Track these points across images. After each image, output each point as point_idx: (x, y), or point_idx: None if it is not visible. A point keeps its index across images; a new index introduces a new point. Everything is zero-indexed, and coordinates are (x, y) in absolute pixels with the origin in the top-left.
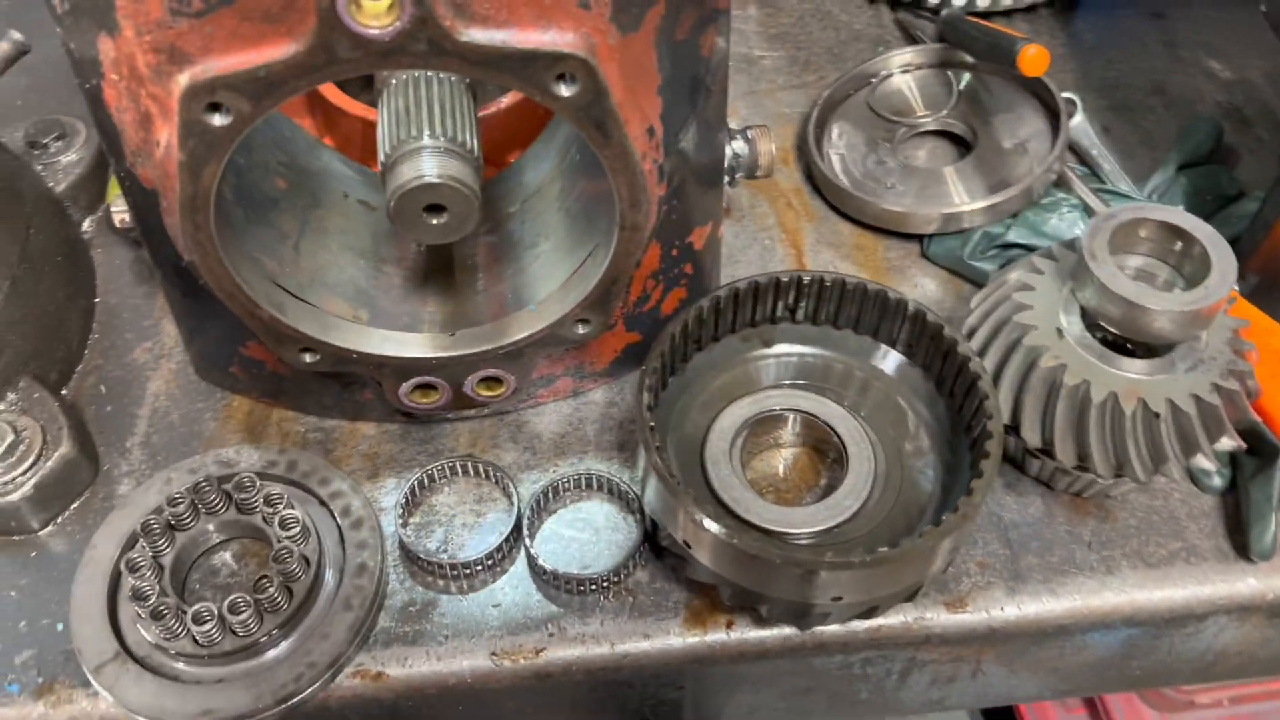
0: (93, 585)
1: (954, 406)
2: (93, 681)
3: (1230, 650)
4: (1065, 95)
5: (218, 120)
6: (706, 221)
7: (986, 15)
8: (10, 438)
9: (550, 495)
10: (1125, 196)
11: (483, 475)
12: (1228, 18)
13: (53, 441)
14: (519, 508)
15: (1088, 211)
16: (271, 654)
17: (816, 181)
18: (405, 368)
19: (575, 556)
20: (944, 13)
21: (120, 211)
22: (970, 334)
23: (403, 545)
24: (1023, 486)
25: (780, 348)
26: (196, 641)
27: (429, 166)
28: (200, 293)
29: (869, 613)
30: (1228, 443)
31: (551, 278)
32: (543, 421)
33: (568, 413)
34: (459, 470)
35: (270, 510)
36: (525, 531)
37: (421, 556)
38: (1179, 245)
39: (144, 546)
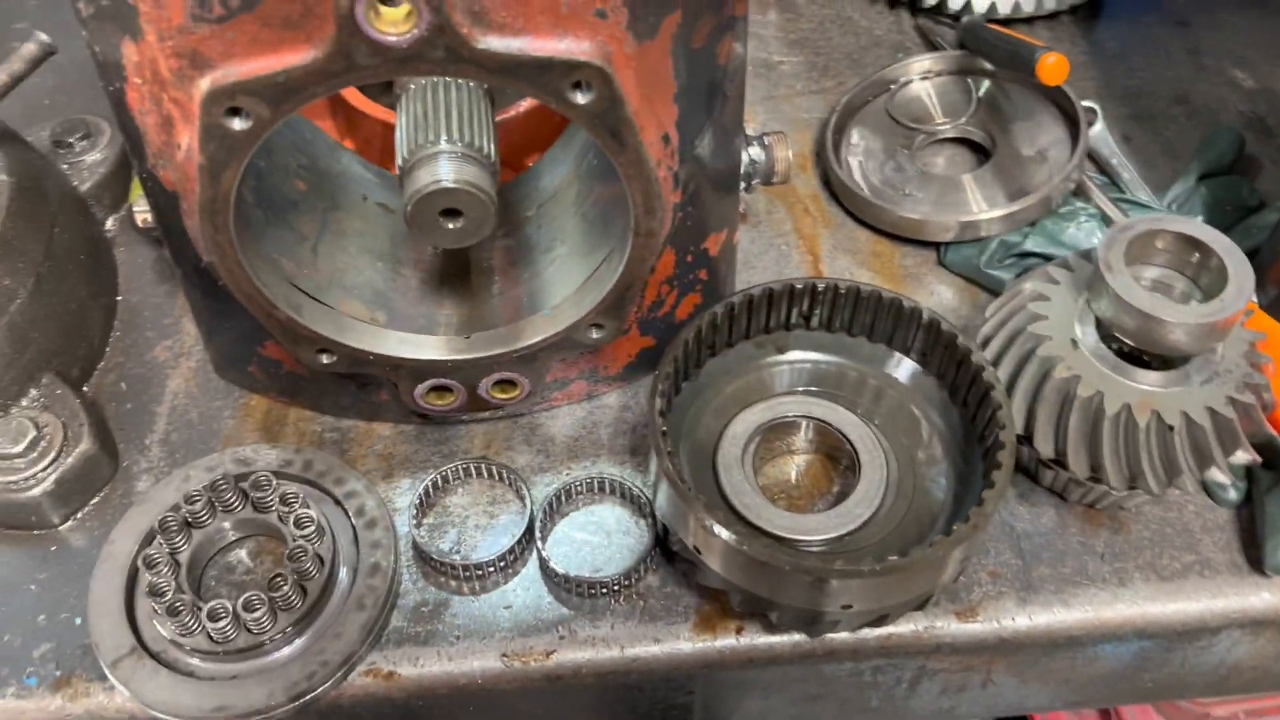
0: (110, 581)
1: (967, 416)
2: (109, 676)
3: (1244, 664)
4: (1085, 104)
5: (238, 124)
6: (722, 228)
7: (1008, 22)
8: (32, 434)
9: (563, 498)
10: (1144, 206)
11: (496, 477)
12: (1253, 26)
13: (74, 438)
14: (531, 510)
15: (1106, 221)
16: (285, 651)
17: (834, 188)
18: (421, 370)
19: (587, 559)
20: (965, 19)
21: (142, 212)
22: (985, 343)
23: (416, 546)
24: (1036, 497)
25: (794, 354)
26: (211, 638)
27: (446, 171)
28: (220, 293)
29: (879, 621)
30: (1243, 456)
31: (567, 282)
32: (556, 424)
33: (581, 416)
34: (473, 472)
35: (286, 509)
36: (537, 534)
37: (434, 557)
38: (1196, 257)
39: (161, 543)
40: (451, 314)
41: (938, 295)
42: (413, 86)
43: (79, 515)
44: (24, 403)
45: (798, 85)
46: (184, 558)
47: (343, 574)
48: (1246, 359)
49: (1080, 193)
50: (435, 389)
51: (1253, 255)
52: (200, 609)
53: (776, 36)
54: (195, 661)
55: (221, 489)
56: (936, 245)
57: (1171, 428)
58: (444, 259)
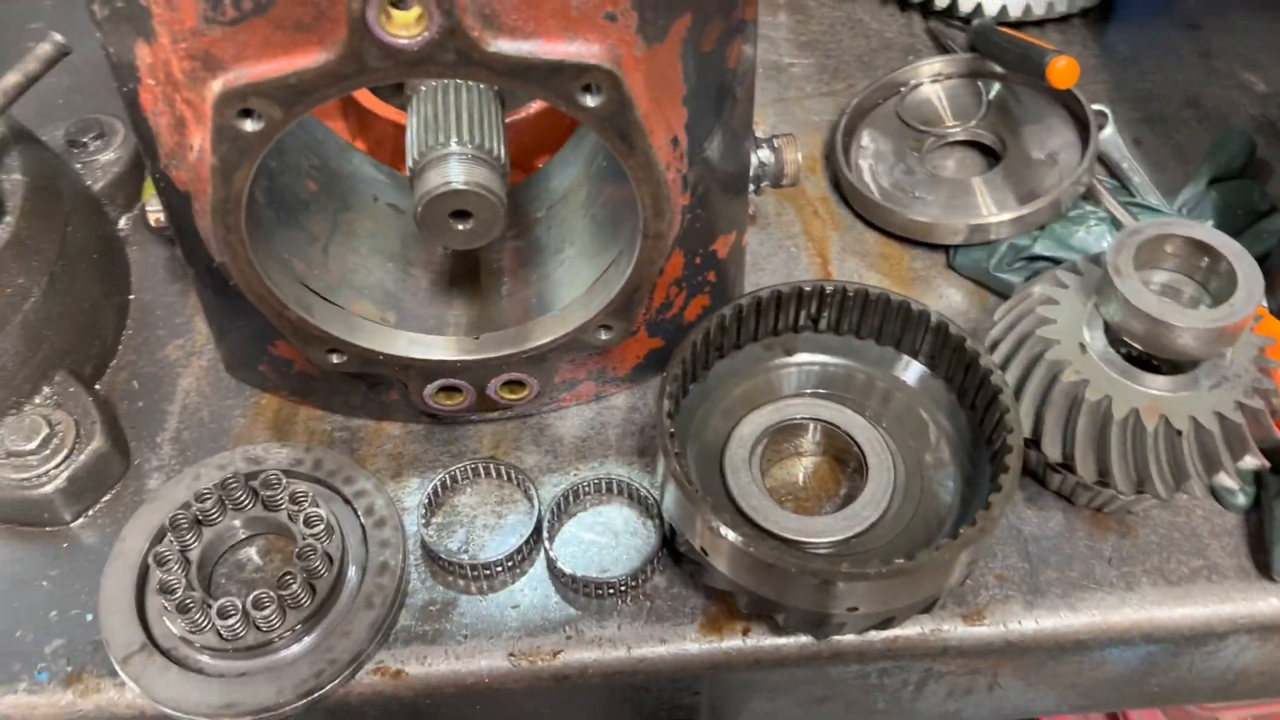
0: (121, 577)
1: (975, 419)
2: (120, 672)
3: (1251, 670)
4: (1096, 107)
5: (249, 126)
6: (731, 230)
7: (1019, 25)
8: (45, 431)
9: (570, 498)
10: (1155, 210)
11: (504, 477)
12: (1265, 29)
13: (86, 435)
14: (539, 510)
15: (1116, 225)
16: (294, 649)
17: (843, 190)
18: (430, 370)
19: (594, 560)
20: (975, 22)
21: (155, 211)
22: (993, 347)
23: (424, 545)
24: (1043, 500)
25: (802, 357)
26: (221, 635)
27: (456, 173)
28: (231, 292)
29: (886, 623)
30: (1251, 461)
31: (575, 283)
32: (565, 425)
33: (590, 417)
34: (481, 472)
35: (295, 508)
36: (545, 534)
37: (443, 556)
38: (1205, 261)
39: (172, 541)
40: (461, 315)
41: (947, 298)
42: (423, 88)
43: (91, 512)
44: (37, 400)
45: (808, 87)
46: (194, 555)
47: (351, 573)
48: (1255, 364)
49: (1090, 196)
50: (444, 389)
51: (1263, 260)
52: (210, 606)
53: (787, 38)
54: (205, 659)
55: (232, 487)
56: (946, 248)
57: (1180, 432)
58: (454, 260)
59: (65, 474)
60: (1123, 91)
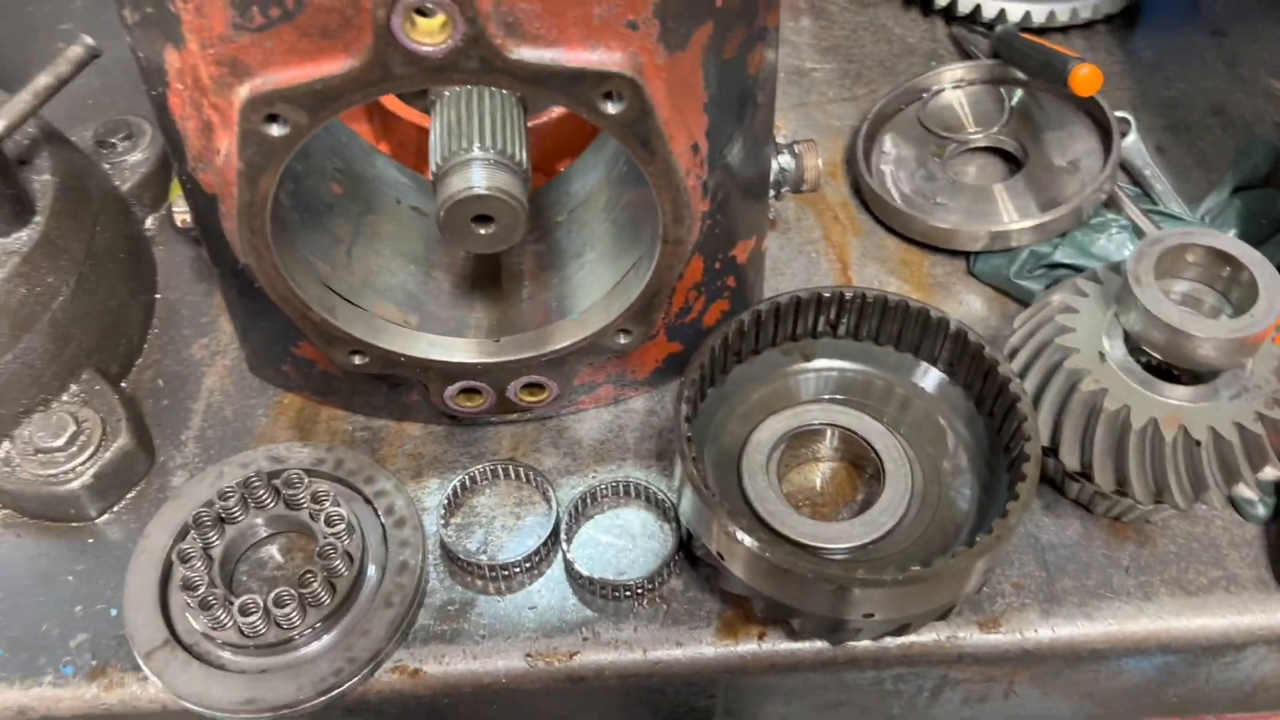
0: (145, 574)
1: (993, 427)
2: (143, 667)
3: (1270, 681)
4: (1119, 114)
5: (275, 131)
6: (750, 235)
7: (1042, 31)
8: (72, 428)
9: (588, 501)
10: (1177, 218)
11: (523, 479)
12: None
13: (112, 433)
14: (557, 512)
15: (1137, 233)
16: (313, 647)
17: (864, 196)
18: (451, 372)
19: (611, 562)
20: (998, 28)
21: (182, 212)
22: (1012, 354)
23: (443, 545)
24: (1061, 508)
25: (820, 362)
26: (242, 632)
27: (478, 178)
28: (255, 293)
29: (901, 630)
30: (1271, 472)
31: (595, 287)
32: (583, 428)
33: (608, 420)
34: (500, 473)
35: (317, 507)
36: (563, 536)
37: (461, 557)
38: (1227, 271)
39: (195, 538)
40: (482, 317)
41: (966, 305)
42: (447, 93)
43: (116, 509)
44: (64, 398)
45: (830, 92)
46: (217, 553)
47: (371, 572)
48: (1276, 375)
49: (1112, 204)
50: (465, 391)
51: None
52: (232, 603)
53: (809, 43)
54: (226, 655)
55: (254, 486)
56: (966, 255)
57: (1198, 443)
58: (475, 262)
59: (91, 471)
60: (1147, 98)
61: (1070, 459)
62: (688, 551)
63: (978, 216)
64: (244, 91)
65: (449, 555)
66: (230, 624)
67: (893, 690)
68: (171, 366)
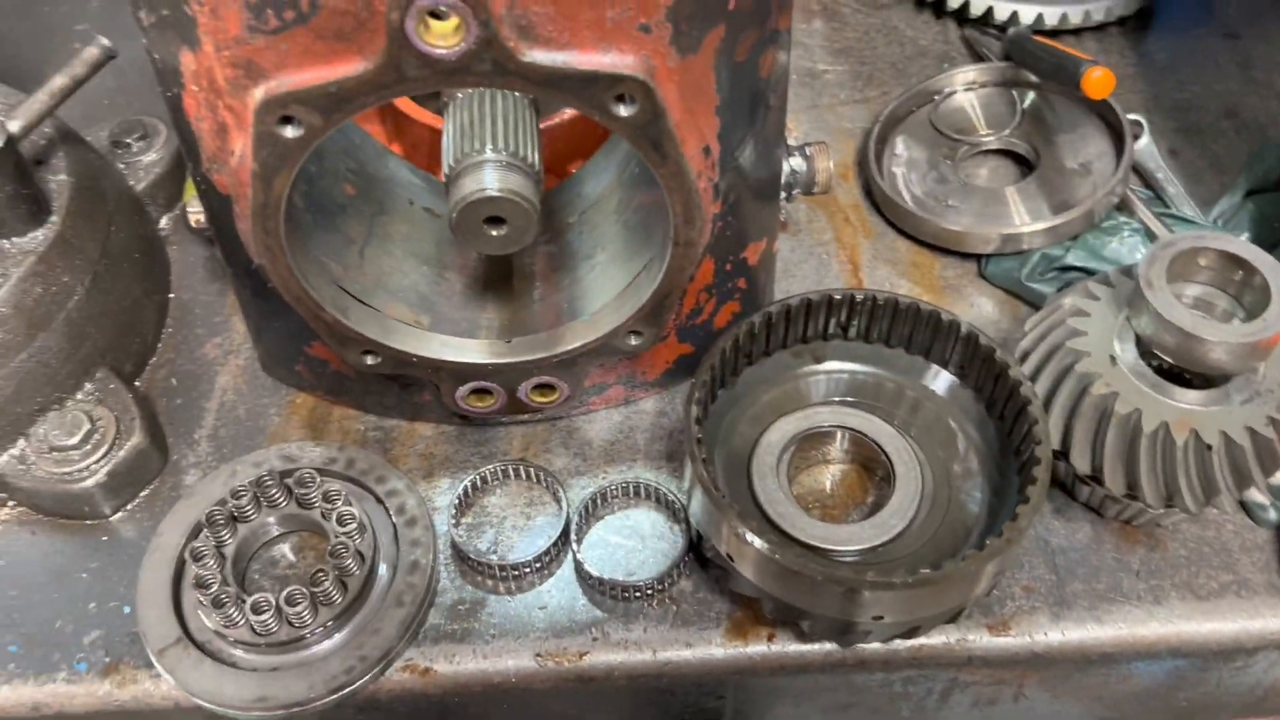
0: (158, 571)
1: (1004, 430)
2: (156, 664)
3: None
4: (1131, 117)
5: (290, 132)
6: (761, 237)
7: (1054, 34)
8: (86, 426)
9: (599, 501)
10: (1189, 221)
11: (534, 479)
12: None
13: (126, 431)
14: (568, 512)
15: (1149, 236)
16: (325, 645)
17: (875, 198)
18: (462, 372)
19: (621, 563)
20: (1011, 31)
21: (196, 212)
22: (1023, 357)
23: (454, 545)
24: (1072, 512)
25: (831, 364)
26: (254, 630)
27: (491, 180)
28: (269, 293)
29: (911, 632)
30: None
31: (606, 289)
32: (594, 428)
33: (619, 421)
34: (511, 473)
35: (329, 506)
36: (573, 536)
37: (472, 556)
38: (1239, 275)
39: (208, 536)
40: (493, 318)
41: (978, 307)
42: (460, 95)
43: (129, 507)
44: (79, 396)
45: (841, 94)
46: (229, 551)
47: (383, 571)
48: None
49: (1124, 207)
50: (476, 391)
51: None
52: (244, 601)
53: (821, 45)
54: (238, 653)
55: (267, 485)
56: (977, 257)
57: (1210, 447)
58: (487, 263)
59: (105, 469)
60: (1160, 101)
61: (1081, 462)
62: (697, 553)
63: (989, 219)
64: (259, 93)
65: (460, 555)
66: (242, 622)
67: (902, 693)
68: (185, 366)
